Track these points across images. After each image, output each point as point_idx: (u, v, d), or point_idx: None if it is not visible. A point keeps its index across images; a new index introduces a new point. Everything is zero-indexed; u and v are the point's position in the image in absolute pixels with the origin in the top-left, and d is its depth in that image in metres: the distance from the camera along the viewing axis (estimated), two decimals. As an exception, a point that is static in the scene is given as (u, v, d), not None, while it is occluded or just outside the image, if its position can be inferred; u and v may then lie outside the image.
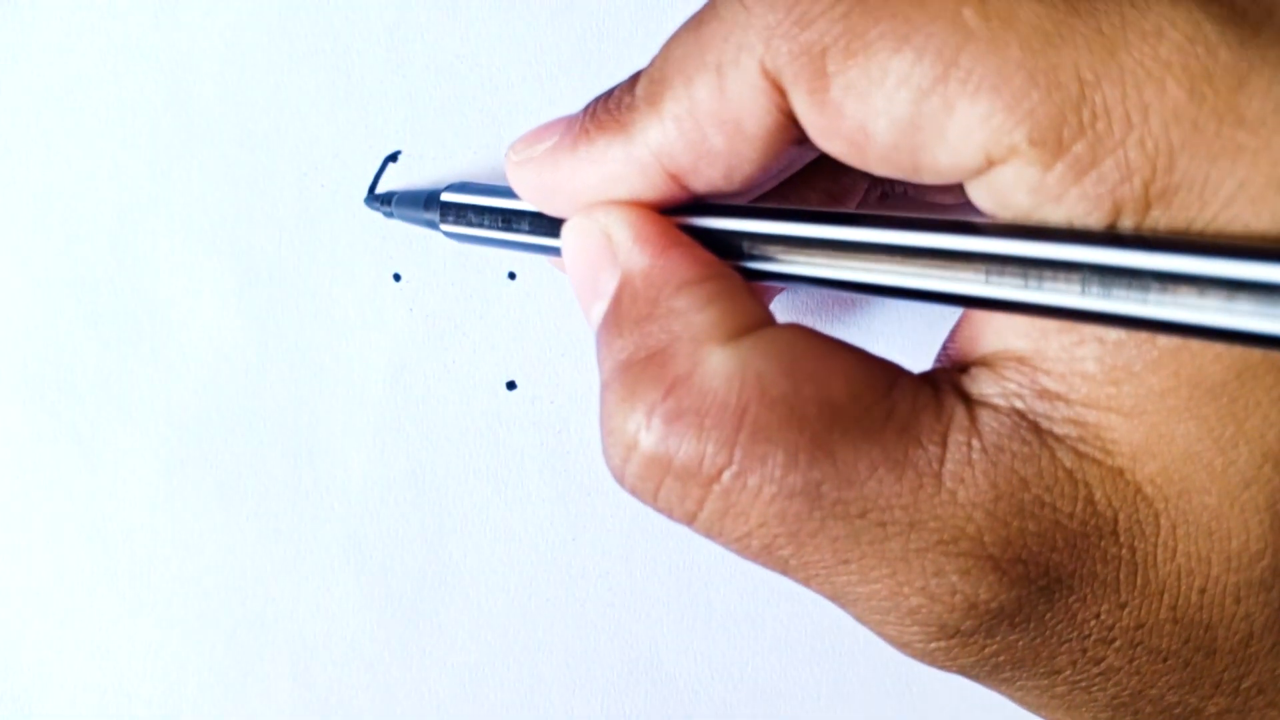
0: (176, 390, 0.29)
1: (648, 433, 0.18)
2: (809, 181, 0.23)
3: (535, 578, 0.29)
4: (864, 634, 0.29)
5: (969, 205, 0.19)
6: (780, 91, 0.18)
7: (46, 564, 0.29)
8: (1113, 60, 0.15)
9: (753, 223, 0.19)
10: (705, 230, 0.20)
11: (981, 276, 0.16)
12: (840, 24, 0.17)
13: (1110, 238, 0.15)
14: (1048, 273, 0.16)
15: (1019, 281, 0.16)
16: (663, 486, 0.18)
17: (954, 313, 0.19)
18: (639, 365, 0.18)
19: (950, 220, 0.17)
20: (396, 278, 0.28)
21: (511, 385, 0.29)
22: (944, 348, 0.20)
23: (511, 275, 0.29)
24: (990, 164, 0.16)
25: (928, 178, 0.17)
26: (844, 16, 0.16)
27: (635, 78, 0.20)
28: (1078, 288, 0.15)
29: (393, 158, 0.28)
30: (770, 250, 0.19)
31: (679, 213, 0.20)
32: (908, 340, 0.29)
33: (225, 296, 0.29)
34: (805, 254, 0.18)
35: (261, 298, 0.29)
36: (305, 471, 0.29)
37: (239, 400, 0.29)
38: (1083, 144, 0.15)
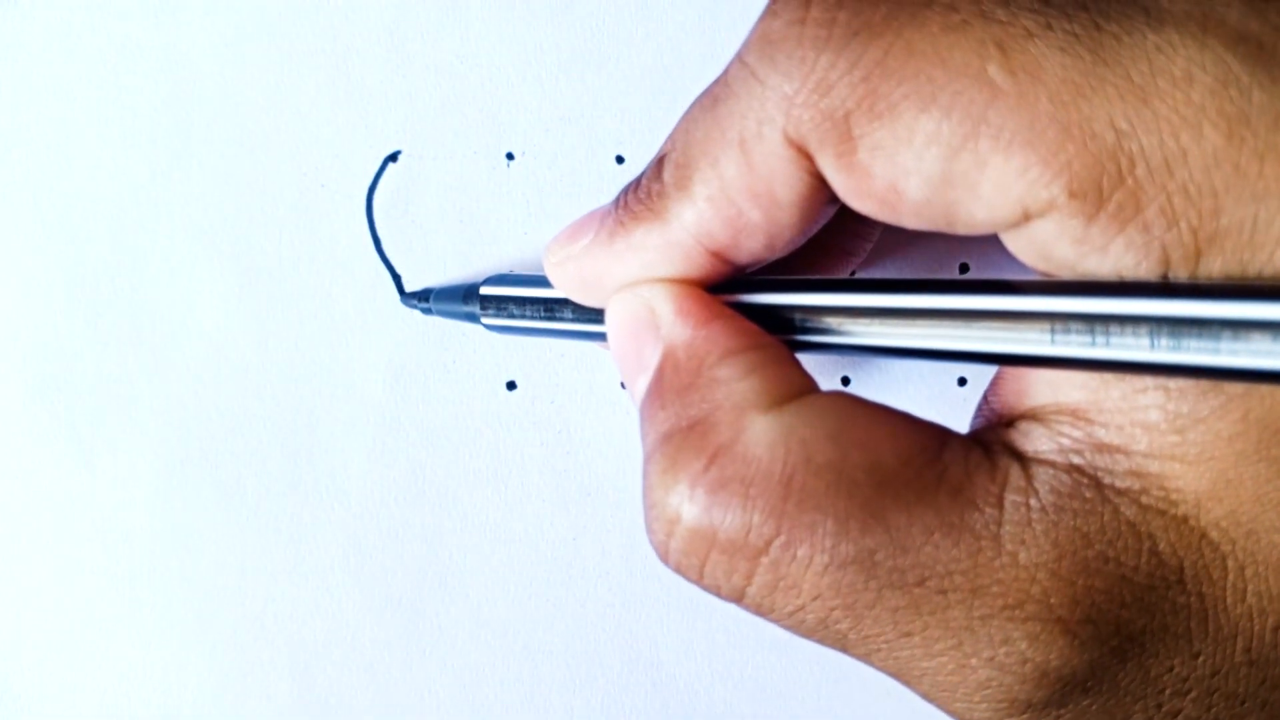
0: (176, 390, 0.29)
1: (691, 505, 0.17)
2: (824, 236, 0.23)
3: (535, 578, 0.29)
4: (864, 634, 0.29)
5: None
6: (807, 157, 0.17)
7: (46, 564, 0.29)
8: (1146, 108, 0.15)
9: (806, 296, 0.19)
10: (756, 306, 0.20)
11: (1047, 336, 0.16)
12: (861, 87, 0.16)
13: (1173, 288, 0.15)
14: (1115, 328, 0.15)
15: (1086, 339, 0.16)
16: (708, 561, 0.17)
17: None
18: (680, 435, 0.18)
19: (1011, 281, 0.17)
20: (397, 278, 0.28)
21: (511, 385, 0.29)
22: (985, 402, 0.20)
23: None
24: (1028, 217, 0.16)
25: (962, 230, 0.17)
26: (864, 80, 0.16)
27: (659, 164, 0.20)
28: (1147, 341, 0.15)
29: (393, 158, 0.28)
30: (827, 322, 0.19)
31: (730, 290, 0.20)
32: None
33: (225, 296, 0.29)
34: (863, 323, 0.18)
35: (261, 298, 0.29)
36: (305, 472, 0.29)
37: (239, 400, 0.29)
38: (1123, 193, 0.15)
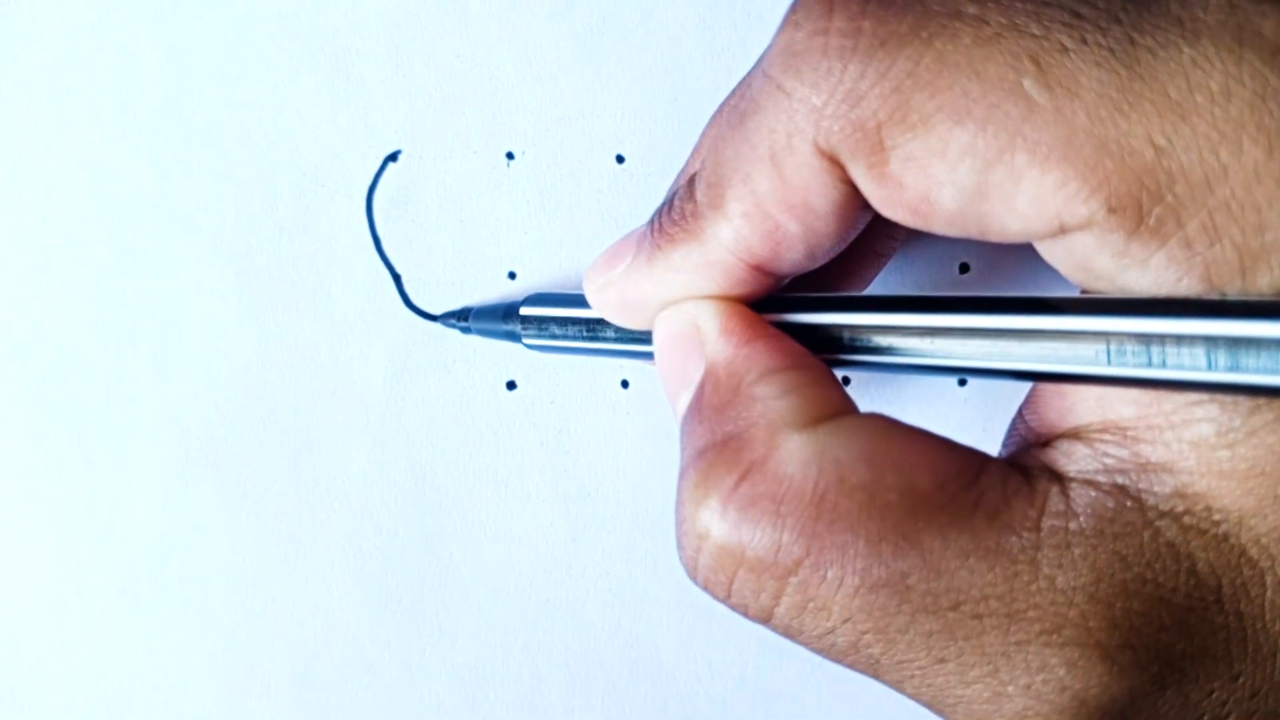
0: (176, 390, 0.29)
1: (721, 521, 0.17)
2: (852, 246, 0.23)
3: (535, 578, 0.29)
4: (864, 634, 0.29)
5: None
6: (840, 166, 0.17)
7: (47, 564, 0.29)
8: (1184, 124, 0.15)
9: (855, 315, 0.19)
10: (803, 325, 0.20)
11: (1103, 355, 0.16)
12: (894, 98, 0.16)
13: (1229, 306, 0.15)
14: (1170, 347, 0.15)
15: (1142, 359, 0.15)
16: (736, 579, 0.17)
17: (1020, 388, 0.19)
18: (714, 451, 0.18)
19: (1064, 299, 0.16)
20: (397, 278, 0.28)
21: (511, 385, 0.29)
22: (1021, 420, 0.19)
23: (512, 275, 0.29)
24: (1064, 230, 0.16)
25: (995, 239, 0.17)
26: (895, 91, 0.16)
27: (689, 184, 0.20)
28: (1203, 360, 0.15)
29: (393, 158, 0.28)
30: (876, 340, 0.19)
31: (777, 309, 0.20)
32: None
33: (225, 296, 0.29)
34: (913, 341, 0.18)
35: (261, 298, 0.29)
36: (305, 471, 0.29)
37: (239, 400, 0.29)
38: (1163, 209, 0.15)
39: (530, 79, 0.28)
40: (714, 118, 0.21)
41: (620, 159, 0.28)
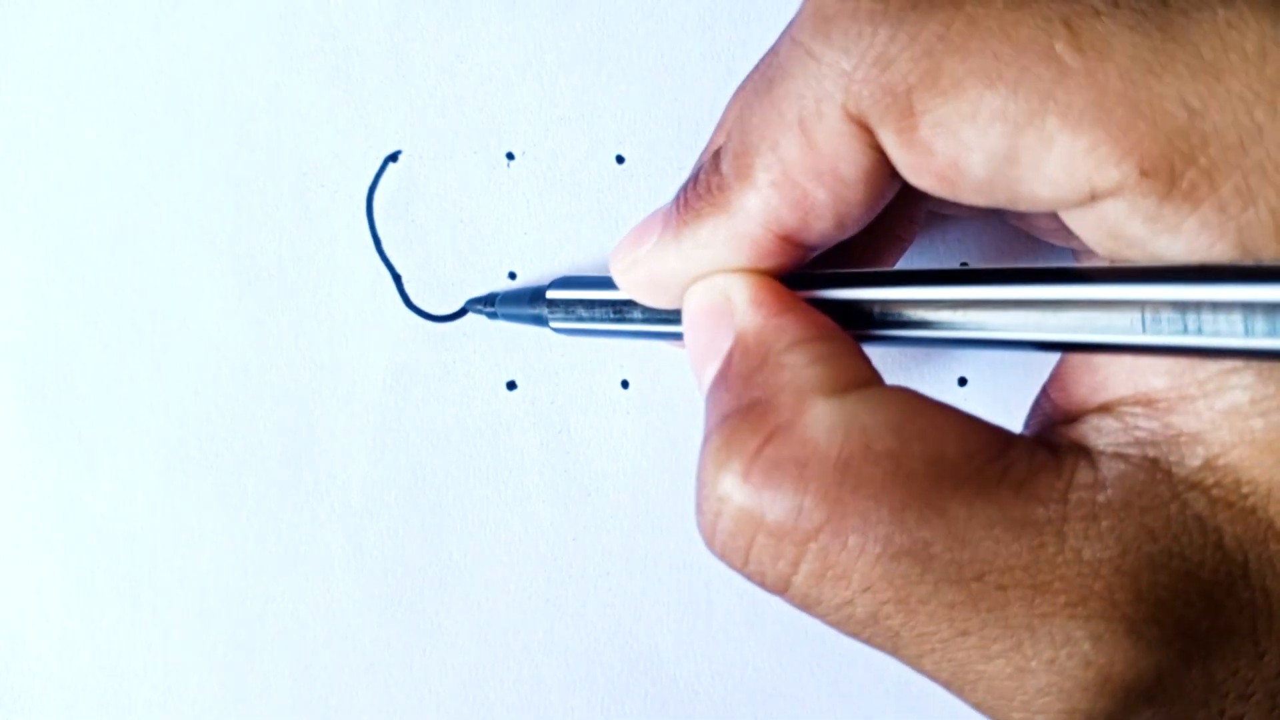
0: (176, 390, 0.29)
1: (743, 484, 0.17)
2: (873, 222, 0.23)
3: (535, 578, 0.29)
4: (864, 634, 0.29)
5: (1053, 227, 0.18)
6: (869, 132, 0.17)
7: (47, 564, 0.29)
8: (1219, 85, 0.15)
9: (887, 290, 0.19)
10: (835, 301, 0.19)
11: (1138, 324, 0.16)
12: (924, 62, 0.16)
13: (1265, 271, 0.15)
14: (1208, 314, 0.15)
15: (1178, 326, 0.15)
16: (755, 545, 0.17)
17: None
18: (739, 415, 0.18)
19: (1097, 268, 0.16)
20: (397, 278, 0.28)
21: (511, 385, 0.29)
22: (1046, 398, 0.19)
23: (512, 275, 0.29)
24: (1095, 196, 0.16)
25: (1024, 207, 0.17)
26: (926, 54, 0.16)
27: (715, 157, 0.20)
28: (1240, 328, 0.15)
29: (393, 158, 0.28)
30: (908, 314, 0.18)
31: (808, 285, 0.20)
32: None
33: (225, 296, 0.29)
34: (946, 314, 0.18)
35: (261, 298, 0.29)
36: (305, 471, 0.29)
37: (239, 401, 0.29)
38: (1196, 172, 0.15)
39: (530, 79, 0.28)
40: (738, 90, 0.21)
41: (620, 159, 0.28)
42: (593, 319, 0.25)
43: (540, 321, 0.26)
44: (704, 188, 0.20)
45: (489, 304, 0.28)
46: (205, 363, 0.29)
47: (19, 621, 0.29)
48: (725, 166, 0.19)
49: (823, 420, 0.17)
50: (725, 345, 0.19)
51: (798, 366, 0.18)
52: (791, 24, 0.18)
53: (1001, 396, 0.29)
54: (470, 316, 0.29)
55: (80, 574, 0.29)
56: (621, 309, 0.24)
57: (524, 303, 0.27)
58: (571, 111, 0.28)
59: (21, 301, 0.29)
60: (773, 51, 0.19)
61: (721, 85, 0.28)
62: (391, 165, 0.28)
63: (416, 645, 0.29)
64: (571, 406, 0.29)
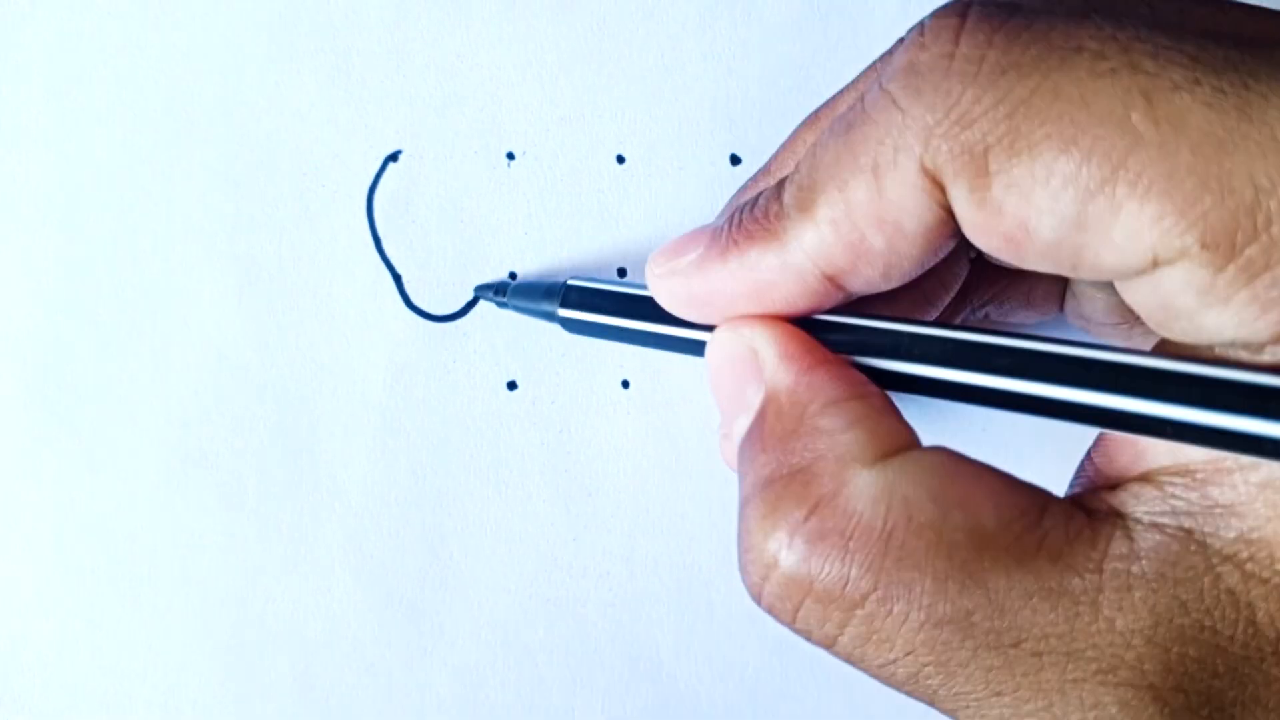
0: (176, 390, 0.29)
1: (789, 552, 0.18)
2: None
3: (535, 578, 0.29)
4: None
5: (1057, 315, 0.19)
6: (940, 189, 0.18)
7: (47, 564, 0.29)
8: None
9: (931, 369, 0.19)
10: (875, 369, 0.20)
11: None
12: (1004, 124, 0.16)
13: None
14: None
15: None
16: (802, 608, 0.18)
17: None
18: (782, 483, 0.18)
19: (1140, 364, 0.17)
20: (397, 278, 0.28)
21: (512, 385, 0.29)
22: (1090, 463, 0.20)
23: (512, 275, 0.29)
24: (1156, 264, 0.16)
25: (1086, 274, 0.17)
26: (1007, 117, 0.16)
27: (779, 186, 0.20)
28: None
29: (393, 158, 0.28)
30: (934, 375, 0.19)
31: (844, 335, 0.20)
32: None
33: (225, 296, 0.29)
34: (966, 377, 0.18)
35: (261, 298, 0.29)
36: (305, 471, 0.29)
37: (239, 400, 0.29)
38: (1256, 248, 0.15)
39: (530, 79, 0.28)
40: (810, 121, 0.21)
41: (620, 159, 0.28)
42: (610, 313, 0.24)
43: (550, 318, 0.26)
44: (761, 213, 0.20)
45: (500, 292, 0.28)
46: (205, 362, 0.29)
47: (19, 621, 0.29)
48: (788, 197, 0.19)
49: (866, 492, 0.18)
50: (755, 399, 0.20)
51: (835, 432, 0.18)
52: (882, 73, 0.18)
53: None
54: (471, 316, 0.29)
55: (80, 574, 0.29)
56: (642, 311, 0.24)
57: (538, 295, 0.26)
58: (571, 111, 0.28)
59: (21, 301, 0.29)
60: (858, 97, 0.19)
61: (721, 85, 0.28)
62: (391, 165, 0.28)
63: (416, 645, 0.29)
64: (572, 406, 0.29)
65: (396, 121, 0.28)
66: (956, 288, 0.24)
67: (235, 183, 0.28)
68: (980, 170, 0.17)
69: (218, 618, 0.29)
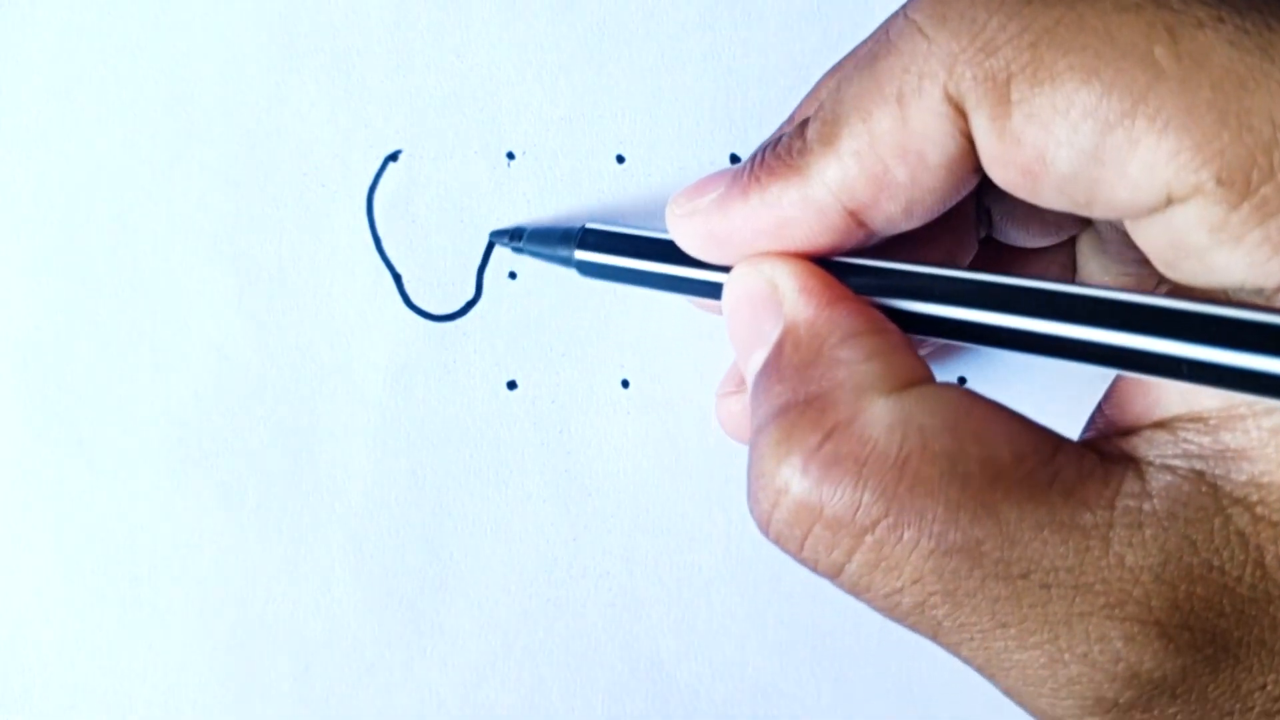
0: (177, 391, 0.29)
1: (802, 477, 0.17)
2: (924, 250, 0.23)
3: (535, 578, 0.29)
4: (864, 634, 0.29)
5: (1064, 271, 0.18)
6: (963, 116, 0.18)
7: (47, 564, 0.29)
8: None
9: (957, 310, 0.19)
10: (879, 297, 0.20)
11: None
12: (1027, 53, 0.17)
13: None
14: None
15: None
16: (811, 534, 0.18)
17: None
18: (798, 409, 0.18)
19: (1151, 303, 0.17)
20: (397, 278, 0.28)
21: (512, 385, 0.29)
22: (1101, 414, 0.20)
23: (512, 275, 0.29)
24: (1170, 201, 0.16)
25: (1099, 212, 0.17)
26: (1031, 46, 0.17)
27: (802, 125, 0.20)
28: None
29: (393, 157, 0.28)
30: (962, 316, 0.19)
31: (845, 274, 0.20)
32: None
33: (225, 297, 0.29)
34: (989, 317, 0.18)
35: (261, 298, 0.29)
36: (305, 471, 0.29)
37: (239, 401, 0.29)
38: (1271, 187, 0.15)
39: (530, 79, 0.28)
40: (834, 68, 0.21)
41: (620, 159, 0.28)
42: (628, 255, 0.24)
43: (565, 261, 0.26)
44: (784, 150, 0.20)
45: (516, 238, 0.27)
46: (205, 362, 0.29)
47: (19, 621, 0.29)
48: (811, 133, 0.19)
49: (882, 419, 0.17)
50: (772, 332, 0.20)
51: (854, 362, 0.18)
52: (908, 5, 0.18)
53: (998, 396, 0.29)
54: (471, 316, 0.29)
55: (80, 574, 0.29)
56: (661, 253, 0.23)
57: (554, 240, 0.26)
58: (571, 111, 0.28)
59: (21, 301, 0.29)
60: (882, 29, 0.19)
61: (721, 85, 0.28)
62: (391, 165, 0.28)
63: (416, 645, 0.29)
64: (571, 406, 0.29)
65: (396, 121, 0.28)
66: (966, 263, 0.24)
67: (235, 183, 0.28)
68: (1002, 99, 0.17)
69: (218, 618, 0.29)
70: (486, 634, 0.29)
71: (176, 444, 0.29)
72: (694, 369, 0.29)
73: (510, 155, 0.28)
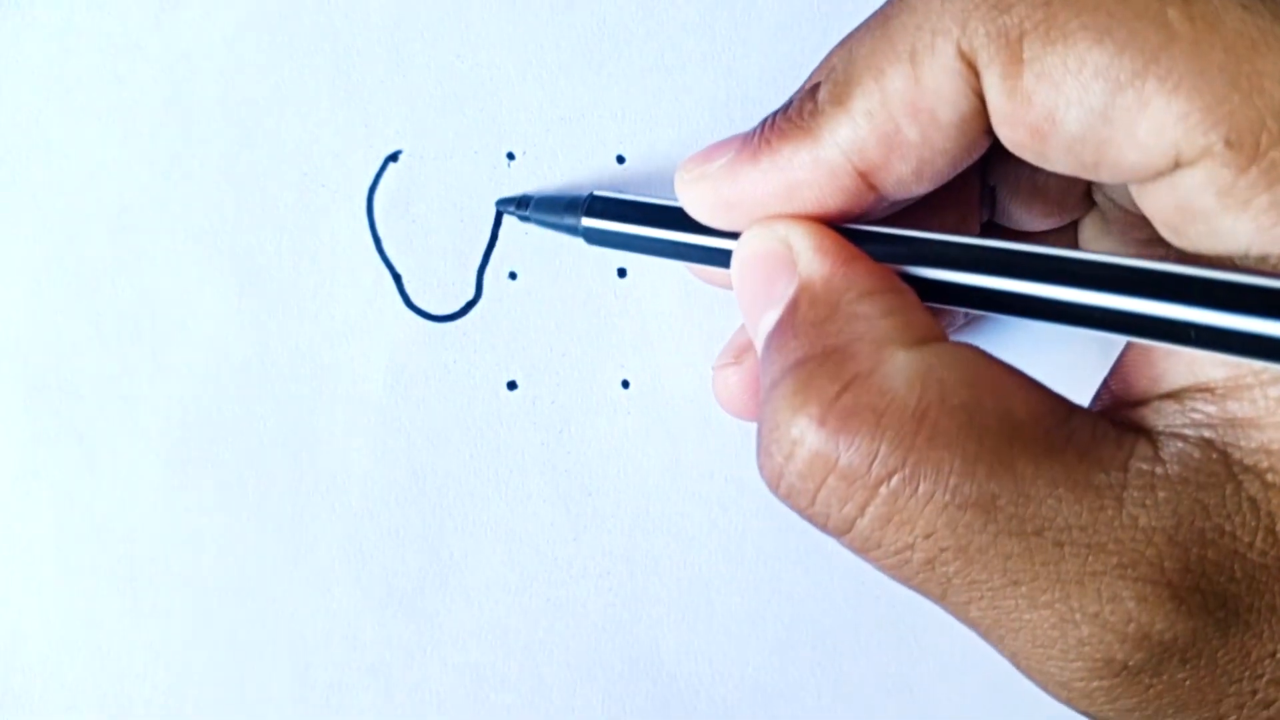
0: (177, 390, 0.29)
1: (818, 429, 0.17)
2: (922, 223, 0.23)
3: (535, 578, 0.29)
4: (864, 634, 0.29)
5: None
6: (975, 74, 0.18)
7: (47, 564, 0.29)
8: None
9: (975, 277, 0.19)
10: (918, 278, 0.19)
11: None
12: (1040, 10, 0.17)
13: None
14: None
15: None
16: (824, 487, 0.17)
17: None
18: (815, 361, 0.18)
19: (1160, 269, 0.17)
20: (397, 278, 0.28)
21: (512, 385, 0.29)
22: (1107, 388, 0.20)
23: (513, 275, 0.29)
24: (1177, 165, 0.16)
25: (1106, 175, 0.17)
26: (1044, 4, 0.17)
27: (813, 87, 0.20)
28: None
29: (393, 157, 0.28)
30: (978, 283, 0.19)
31: (893, 260, 0.20)
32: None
33: (225, 296, 0.29)
34: (1002, 283, 0.18)
35: (261, 298, 0.29)
36: (305, 471, 0.29)
37: (239, 400, 0.29)
38: (1279, 151, 0.15)
39: (530, 79, 0.28)
40: (846, 37, 0.21)
41: (620, 159, 0.28)
42: (635, 221, 0.24)
43: (572, 230, 0.26)
44: (795, 112, 0.20)
45: (523, 205, 0.27)
46: (205, 362, 0.29)
47: (19, 621, 0.29)
48: (823, 94, 0.19)
49: (902, 371, 0.17)
50: (785, 293, 0.20)
51: (872, 317, 0.18)
52: None
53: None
54: (471, 316, 0.29)
55: (80, 574, 0.29)
56: (669, 219, 0.23)
57: (561, 206, 0.26)
58: (571, 111, 0.28)
59: (21, 301, 0.29)
60: None
61: (721, 85, 0.28)
62: (391, 165, 0.28)
63: (416, 645, 0.29)
64: (571, 406, 0.29)
65: (396, 121, 0.28)
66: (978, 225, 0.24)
67: (235, 183, 0.28)
68: (1014, 56, 0.17)
69: (218, 618, 0.29)
70: (486, 634, 0.29)
71: (177, 443, 0.29)
72: (694, 369, 0.29)
73: (510, 155, 0.28)
